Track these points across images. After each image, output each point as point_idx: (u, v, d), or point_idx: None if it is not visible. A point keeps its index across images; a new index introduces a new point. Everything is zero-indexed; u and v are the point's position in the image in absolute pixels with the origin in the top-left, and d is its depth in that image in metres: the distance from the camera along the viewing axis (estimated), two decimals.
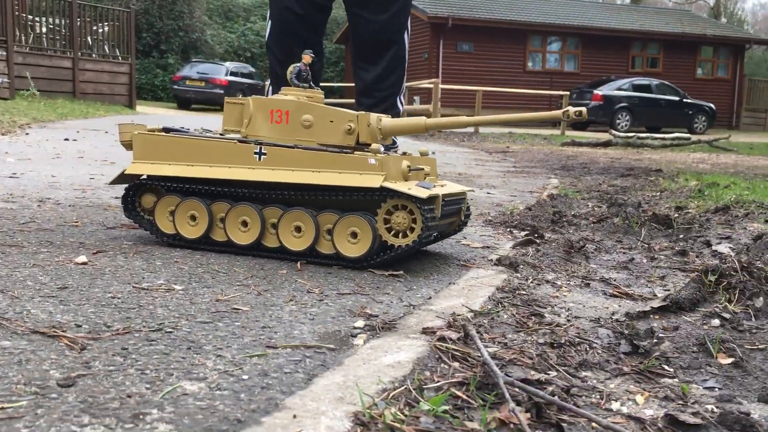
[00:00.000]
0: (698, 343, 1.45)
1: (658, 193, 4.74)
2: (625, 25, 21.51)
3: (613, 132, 13.16)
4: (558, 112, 2.00)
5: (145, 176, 2.10)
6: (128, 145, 2.12)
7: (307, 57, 2.10)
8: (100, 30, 14.83)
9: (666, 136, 13.25)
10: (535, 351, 1.31)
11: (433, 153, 2.10)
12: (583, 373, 1.27)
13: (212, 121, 13.46)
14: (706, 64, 22.76)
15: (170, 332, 1.25)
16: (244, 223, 1.99)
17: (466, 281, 1.89)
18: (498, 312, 1.60)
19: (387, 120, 2.05)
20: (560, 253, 2.41)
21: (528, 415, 1.05)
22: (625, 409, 1.12)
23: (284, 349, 1.20)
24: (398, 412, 0.95)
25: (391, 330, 1.36)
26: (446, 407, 1.02)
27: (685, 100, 19.27)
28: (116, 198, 3.06)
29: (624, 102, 18.50)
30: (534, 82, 20.19)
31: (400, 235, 1.88)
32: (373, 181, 1.86)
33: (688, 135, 14.29)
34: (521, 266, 2.14)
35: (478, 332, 1.41)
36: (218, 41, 26.17)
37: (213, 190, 2.00)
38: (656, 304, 1.72)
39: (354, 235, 1.91)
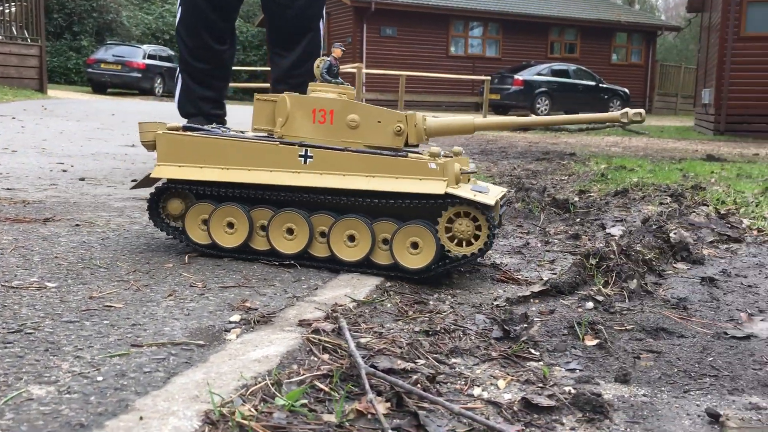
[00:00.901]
0: (569, 326, 1.51)
1: (566, 177, 4.88)
2: (543, 11, 21.99)
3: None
4: (617, 114, 1.87)
5: (164, 180, 1.91)
6: (150, 146, 1.92)
7: (337, 51, 1.98)
8: (7, 10, 14.05)
9: None
10: (408, 340, 1.33)
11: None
12: (453, 360, 1.30)
13: (128, 106, 13.01)
14: (621, 50, 23.58)
15: (30, 333, 1.21)
16: (290, 231, 1.86)
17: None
18: (382, 301, 1.62)
19: (432, 119, 1.95)
20: None
21: (388, 404, 1.07)
22: (485, 394, 1.16)
23: (150, 347, 1.18)
24: (251, 409, 0.95)
25: (267, 323, 1.36)
26: (305, 401, 1.02)
27: (600, 84, 19.90)
28: (8, 189, 2.93)
29: (543, 87, 18.95)
30: (457, 67, 20.42)
31: (463, 243, 1.79)
32: (437, 187, 1.74)
33: None
34: None
35: (356, 323, 1.42)
36: (135, 23, 25.25)
37: (252, 194, 1.85)
38: (536, 288, 1.78)
39: (414, 245, 1.80)
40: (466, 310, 1.62)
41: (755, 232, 2.77)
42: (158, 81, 20.16)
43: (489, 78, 16.86)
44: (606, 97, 19.84)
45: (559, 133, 12.33)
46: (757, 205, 3.62)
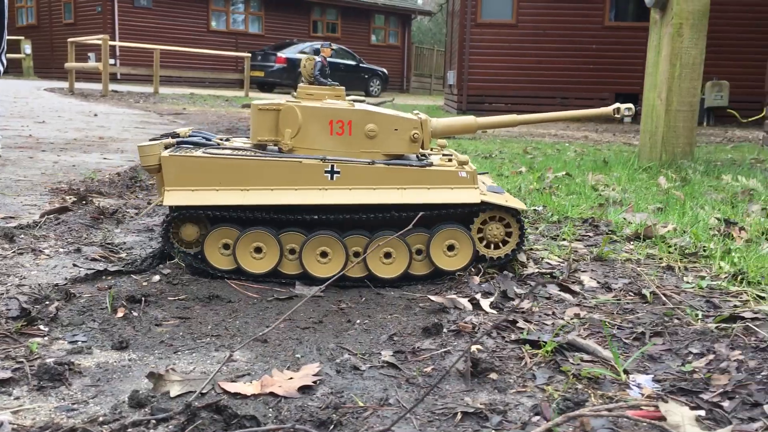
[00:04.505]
0: (98, 303, 1.56)
1: None
2: None
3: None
4: (609, 109, 2.01)
5: (168, 207, 1.74)
6: (154, 170, 1.69)
7: (327, 51, 1.88)
8: None
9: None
10: None
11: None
12: None
13: None
14: (380, 32, 24.66)
15: None
16: (323, 254, 1.77)
17: None
18: None
19: (437, 121, 1.94)
20: (86, 219, 2.42)
21: None
22: None
23: None
24: None
25: None
26: None
27: (361, 64, 20.67)
28: None
29: None
30: (219, 43, 19.97)
31: (492, 246, 1.84)
32: (471, 196, 1.77)
33: (363, 97, 15.37)
34: (19, 237, 2.09)
35: None
36: None
37: (277, 216, 1.71)
38: (112, 268, 1.81)
39: (450, 247, 1.81)
40: (13, 291, 1.60)
41: None
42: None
43: (249, 55, 16.74)
44: (366, 76, 20.67)
45: None
46: None
